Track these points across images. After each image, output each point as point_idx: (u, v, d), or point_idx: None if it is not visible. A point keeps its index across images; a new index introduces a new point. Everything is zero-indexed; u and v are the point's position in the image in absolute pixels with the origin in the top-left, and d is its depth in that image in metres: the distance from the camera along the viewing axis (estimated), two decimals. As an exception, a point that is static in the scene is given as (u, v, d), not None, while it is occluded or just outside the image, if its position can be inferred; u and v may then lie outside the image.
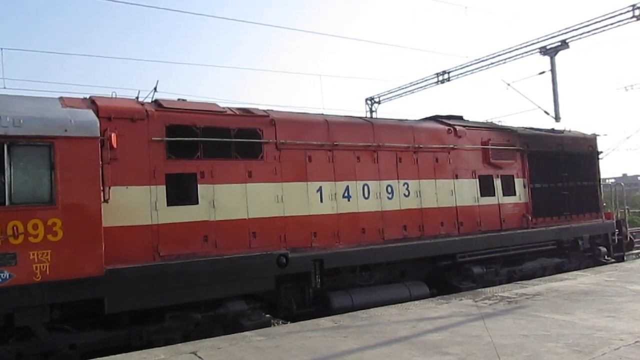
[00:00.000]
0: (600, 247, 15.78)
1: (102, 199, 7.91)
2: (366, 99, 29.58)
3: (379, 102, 29.23)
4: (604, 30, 19.38)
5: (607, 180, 19.50)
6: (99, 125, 7.98)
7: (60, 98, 8.69)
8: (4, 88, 15.79)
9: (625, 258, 16.86)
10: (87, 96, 9.07)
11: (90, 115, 8.07)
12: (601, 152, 16.75)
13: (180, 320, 8.64)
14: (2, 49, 17.94)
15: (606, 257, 15.96)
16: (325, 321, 8.83)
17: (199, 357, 6.86)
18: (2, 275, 7.03)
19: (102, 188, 7.92)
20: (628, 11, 18.60)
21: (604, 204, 16.76)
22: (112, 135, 8.12)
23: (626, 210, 17.87)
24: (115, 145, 8.17)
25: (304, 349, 7.05)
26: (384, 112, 31.62)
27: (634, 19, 18.52)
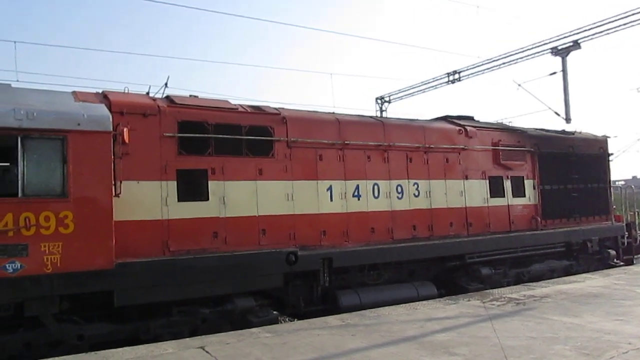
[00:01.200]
0: (610, 250, 15.68)
1: (114, 193, 7.96)
2: (376, 98, 29.55)
3: (389, 102, 29.19)
4: (616, 31, 19.25)
5: (617, 182, 19.33)
6: (111, 119, 8.03)
7: (74, 92, 8.75)
8: (18, 81, 15.90)
9: (634, 261, 16.73)
10: (100, 90, 9.13)
11: (103, 109, 8.12)
12: (612, 153, 16.65)
13: (188, 315, 8.69)
14: (15, 42, 18.08)
15: (615, 260, 15.86)
16: (333, 319, 8.85)
17: (207, 352, 6.89)
18: (13, 265, 7.11)
19: (113, 182, 7.97)
20: (641, 11, 18.45)
21: (614, 207, 16.65)
22: (125, 130, 8.17)
23: (636, 213, 17.73)
24: (127, 140, 8.20)
25: (312, 347, 7.07)
26: (394, 111, 31.55)
27: (647, 19, 18.37)
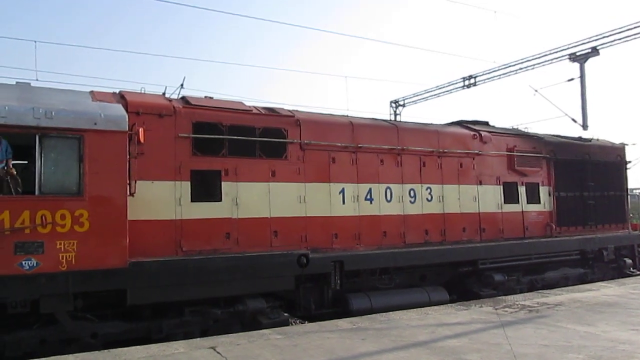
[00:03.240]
0: (626, 259, 15.50)
1: (128, 193, 8.04)
2: (391, 102, 29.55)
3: (403, 105, 29.16)
4: (635, 38, 19.07)
5: (634, 191, 19.12)
6: (127, 119, 8.11)
7: (91, 92, 8.87)
8: (37, 80, 16.11)
9: (651, 271, 16.53)
10: (117, 91, 9.23)
11: (119, 109, 8.21)
12: (629, 161, 16.46)
13: (200, 315, 8.73)
14: (35, 42, 18.36)
15: (632, 269, 15.68)
16: (343, 322, 8.84)
17: (218, 353, 6.91)
18: (29, 262, 7.19)
19: (128, 182, 8.05)
20: (662, 19, 18.24)
21: (631, 215, 16.45)
22: (140, 130, 8.25)
23: (654, 222, 17.51)
24: (142, 140, 8.28)
25: (322, 349, 7.07)
26: (408, 115, 31.53)
27: (668, 27, 18.18)
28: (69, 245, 7.43)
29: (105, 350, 7.24)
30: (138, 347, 7.33)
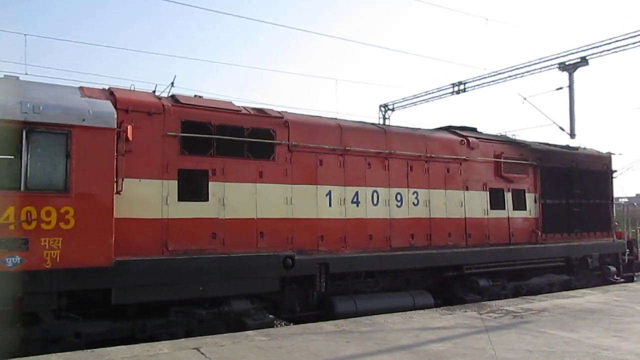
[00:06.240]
0: (610, 267, 15.66)
1: (115, 190, 7.99)
2: (380, 106, 29.60)
3: (392, 110, 29.23)
4: (624, 49, 19.32)
5: (620, 200, 19.32)
6: (116, 116, 8.06)
7: (80, 88, 8.80)
8: (26, 74, 15.97)
9: (635, 278, 16.72)
10: (106, 87, 9.18)
11: (108, 106, 8.16)
12: (615, 170, 16.65)
13: (185, 316, 8.69)
14: (26, 35, 18.19)
15: (615, 276, 15.85)
16: (328, 325, 8.84)
17: (202, 354, 6.89)
18: (13, 259, 7.11)
19: (115, 179, 8.00)
20: (650, 31, 18.51)
21: (616, 223, 16.63)
22: (129, 127, 8.20)
23: (638, 231, 17.72)
24: (130, 138, 8.25)
25: (306, 352, 7.06)
26: (397, 119, 31.69)
27: (656, 39, 18.42)
28: (54, 243, 7.36)
29: (89, 350, 7.19)
30: (122, 347, 7.28)
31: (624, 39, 19.23)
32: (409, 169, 11.80)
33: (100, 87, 9.21)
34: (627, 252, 16.25)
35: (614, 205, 16.69)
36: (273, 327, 9.40)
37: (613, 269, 15.74)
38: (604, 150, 16.90)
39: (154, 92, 9.63)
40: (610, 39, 19.56)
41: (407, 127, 13.07)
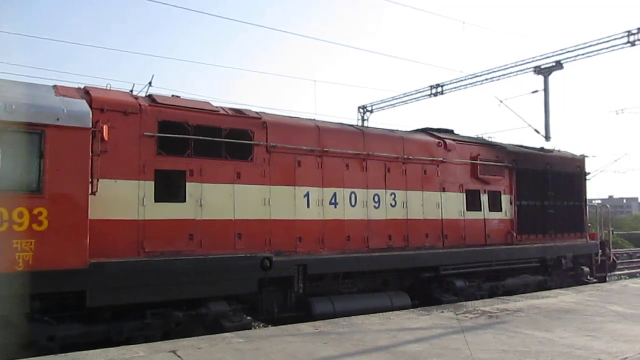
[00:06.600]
0: (583, 267, 15.95)
1: (90, 191, 7.87)
2: (359, 107, 29.72)
3: (371, 111, 29.37)
4: (598, 54, 19.72)
5: (593, 201, 19.65)
6: (91, 116, 7.94)
7: (54, 86, 8.65)
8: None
9: (607, 279, 17.04)
10: (81, 86, 9.04)
11: (83, 105, 8.03)
12: (589, 173, 16.95)
13: (161, 318, 8.58)
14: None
15: (589, 277, 16.13)
16: (306, 326, 8.82)
17: (178, 357, 6.82)
18: (-17, 262, 6.95)
19: (90, 180, 7.88)
20: (623, 36, 18.96)
21: (589, 225, 16.93)
22: (104, 127, 8.09)
23: (610, 232, 18.05)
24: (106, 138, 8.13)
25: (284, 353, 7.04)
26: (376, 121, 31.79)
27: (629, 44, 18.86)
28: (26, 245, 7.20)
29: (63, 354, 7.05)
30: (97, 350, 7.17)
31: (597, 44, 19.63)
32: (387, 170, 11.86)
33: (77, 86, 9.07)
34: (600, 253, 16.54)
35: (588, 206, 16.98)
36: (251, 329, 9.36)
37: (586, 269, 16.02)
38: (577, 152, 17.21)
39: (131, 91, 9.52)
40: (584, 43, 19.96)
41: (385, 129, 13.12)
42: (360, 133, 11.91)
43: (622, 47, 19.10)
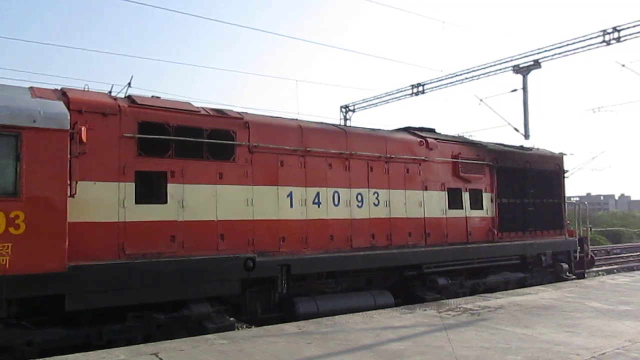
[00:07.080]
0: (563, 264, 16.14)
1: (69, 194, 7.75)
2: (341, 107, 29.77)
3: (353, 111, 29.44)
4: (575, 53, 20.00)
5: (571, 199, 19.93)
6: (69, 118, 7.83)
7: (31, 88, 8.50)
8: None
9: (585, 275, 17.27)
10: (59, 87, 8.91)
11: (60, 107, 7.91)
12: (567, 171, 17.16)
13: (143, 321, 8.50)
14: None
15: (568, 273, 16.34)
16: (289, 327, 8.81)
17: (160, 359, 6.76)
18: (-41, 266, 6.82)
19: (68, 182, 7.76)
20: (598, 36, 19.25)
21: (568, 222, 17.15)
22: (83, 129, 7.97)
23: (589, 229, 18.30)
24: (85, 140, 8.01)
25: (268, 354, 7.02)
26: (358, 120, 31.91)
27: (604, 43, 19.14)
28: (3, 249, 7.07)
29: (41, 359, 6.97)
30: (77, 354, 7.07)
31: (574, 43, 19.91)
32: (370, 169, 11.88)
33: (53, 87, 8.93)
34: (579, 250, 16.77)
35: (566, 204, 17.20)
36: (234, 330, 9.31)
37: (565, 266, 16.23)
38: (556, 150, 17.44)
39: (109, 92, 9.40)
40: (561, 42, 20.25)
41: (367, 128, 13.14)
42: (343, 132, 11.92)
43: (598, 47, 19.41)
